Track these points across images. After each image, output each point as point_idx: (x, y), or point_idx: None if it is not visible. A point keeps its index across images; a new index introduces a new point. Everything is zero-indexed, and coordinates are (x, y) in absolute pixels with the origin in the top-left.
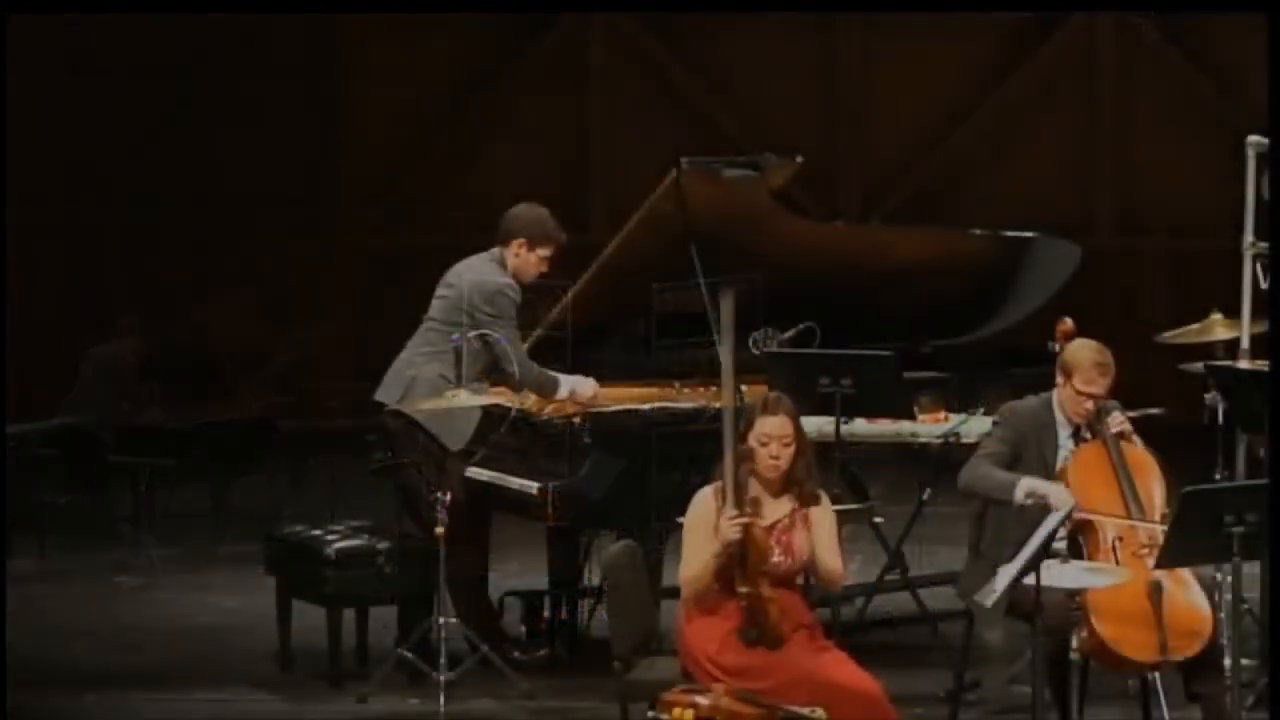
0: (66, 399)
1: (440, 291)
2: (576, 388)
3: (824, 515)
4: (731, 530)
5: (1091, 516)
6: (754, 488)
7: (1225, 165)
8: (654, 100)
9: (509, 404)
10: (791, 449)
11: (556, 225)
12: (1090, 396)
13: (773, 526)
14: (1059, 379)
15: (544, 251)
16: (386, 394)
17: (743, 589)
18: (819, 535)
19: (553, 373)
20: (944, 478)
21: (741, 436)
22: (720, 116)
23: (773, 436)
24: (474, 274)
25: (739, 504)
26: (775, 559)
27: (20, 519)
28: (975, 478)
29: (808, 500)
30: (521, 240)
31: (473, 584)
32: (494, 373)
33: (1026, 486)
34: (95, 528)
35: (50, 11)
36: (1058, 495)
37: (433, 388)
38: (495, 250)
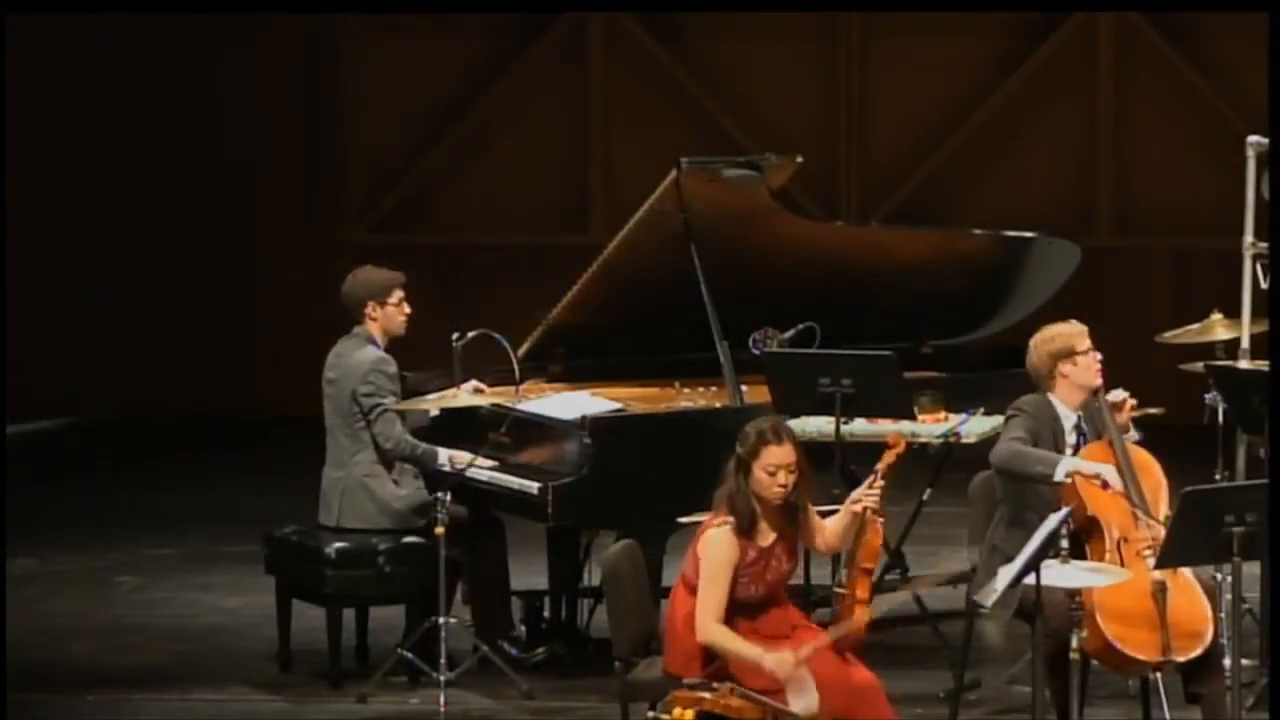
0: None
1: (326, 390)
2: (453, 457)
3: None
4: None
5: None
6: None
7: (1225, 165)
8: (654, 100)
9: (509, 404)
10: (795, 475)
11: (386, 267)
12: (1094, 350)
13: (774, 545)
14: (1061, 370)
15: (395, 298)
16: (326, 516)
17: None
18: (813, 519)
19: (428, 447)
20: (944, 478)
21: (743, 464)
22: (720, 116)
23: (780, 465)
24: (345, 363)
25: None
26: (785, 566)
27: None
28: (1012, 454)
29: (794, 520)
30: (371, 303)
31: (496, 586)
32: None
33: (1069, 466)
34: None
35: (50, 11)
36: (1108, 473)
37: (367, 493)
38: (357, 329)
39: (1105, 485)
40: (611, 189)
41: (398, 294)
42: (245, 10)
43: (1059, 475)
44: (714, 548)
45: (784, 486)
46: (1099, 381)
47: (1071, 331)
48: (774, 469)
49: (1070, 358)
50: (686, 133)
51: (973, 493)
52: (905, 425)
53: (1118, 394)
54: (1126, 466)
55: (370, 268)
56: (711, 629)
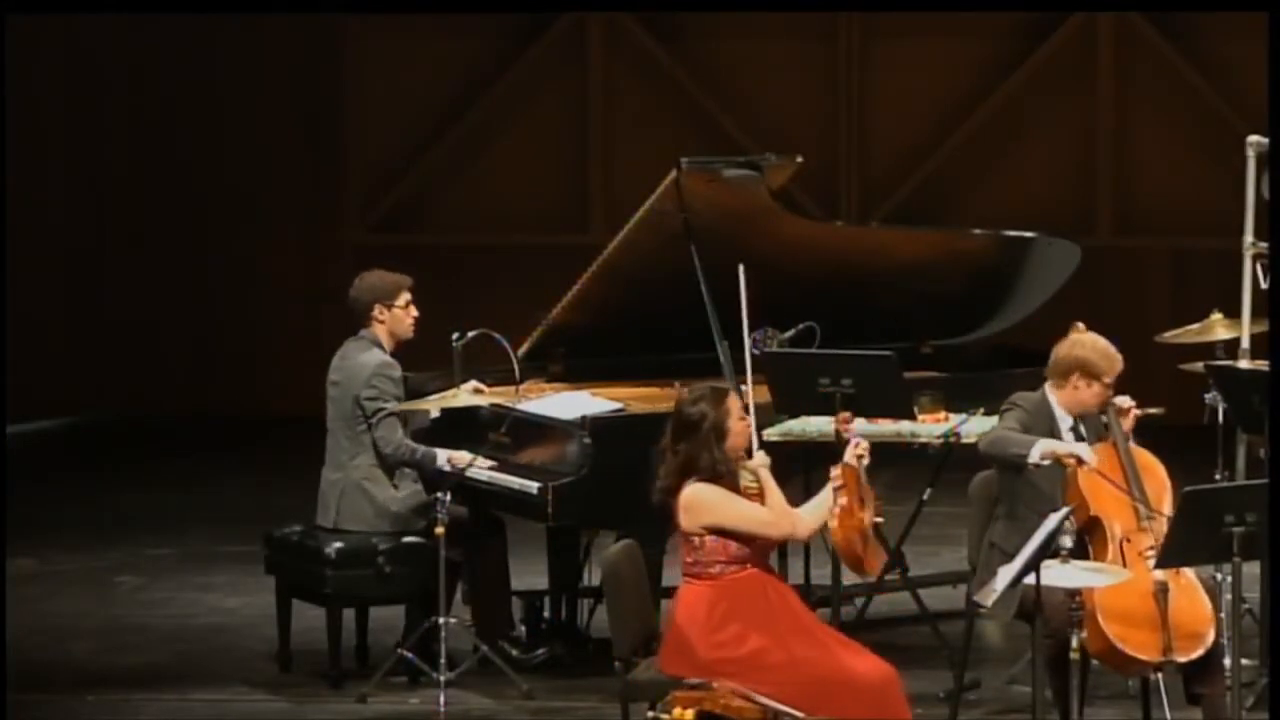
0: None
1: (330, 392)
2: (453, 458)
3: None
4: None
5: (1105, 483)
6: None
7: (1225, 165)
8: (654, 100)
9: (509, 404)
10: None
11: (394, 272)
12: (1112, 387)
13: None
14: (1079, 381)
15: (402, 300)
16: (324, 517)
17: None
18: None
19: (428, 450)
20: (944, 478)
21: (716, 429)
22: (720, 116)
23: (740, 405)
24: (350, 366)
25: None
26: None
27: (20, 519)
28: (996, 438)
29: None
30: (378, 306)
31: (497, 585)
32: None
33: (1044, 447)
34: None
35: (50, 11)
36: (1084, 451)
37: (365, 496)
38: (363, 331)
39: (1080, 462)
40: (611, 189)
41: (405, 296)
42: (245, 10)
43: (1034, 457)
44: (704, 490)
45: (749, 427)
46: (1095, 412)
47: (1111, 357)
48: (741, 412)
49: (1092, 379)
50: (686, 133)
51: (973, 493)
52: (905, 425)
53: (1125, 400)
54: (1131, 471)
55: (378, 271)
56: (793, 518)
